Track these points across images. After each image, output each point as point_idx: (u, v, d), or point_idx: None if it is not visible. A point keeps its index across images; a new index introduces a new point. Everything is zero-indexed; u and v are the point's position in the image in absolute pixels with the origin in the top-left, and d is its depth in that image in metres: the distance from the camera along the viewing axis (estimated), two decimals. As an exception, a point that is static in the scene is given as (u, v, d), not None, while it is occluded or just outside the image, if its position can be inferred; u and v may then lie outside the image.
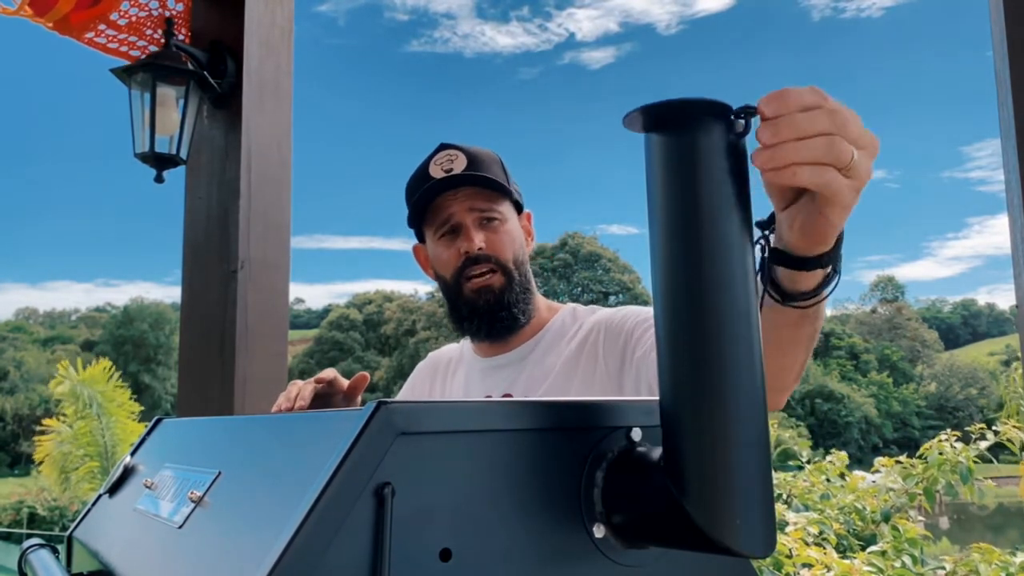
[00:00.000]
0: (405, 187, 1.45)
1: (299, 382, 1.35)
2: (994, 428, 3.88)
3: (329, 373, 1.37)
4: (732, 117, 0.60)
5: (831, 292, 0.82)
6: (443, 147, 1.42)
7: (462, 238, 1.38)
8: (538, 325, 1.45)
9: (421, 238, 1.49)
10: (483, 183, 1.38)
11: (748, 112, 0.61)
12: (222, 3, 2.65)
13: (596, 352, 1.33)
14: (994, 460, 3.87)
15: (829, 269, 0.79)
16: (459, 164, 1.38)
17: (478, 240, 1.37)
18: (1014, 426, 3.84)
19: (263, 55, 2.61)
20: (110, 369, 11.81)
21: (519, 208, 1.48)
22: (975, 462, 3.69)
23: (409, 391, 1.63)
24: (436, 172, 1.38)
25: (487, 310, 1.38)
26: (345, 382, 1.38)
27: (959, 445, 3.75)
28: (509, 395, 1.38)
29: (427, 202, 1.40)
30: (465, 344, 1.55)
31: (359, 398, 1.40)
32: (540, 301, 1.48)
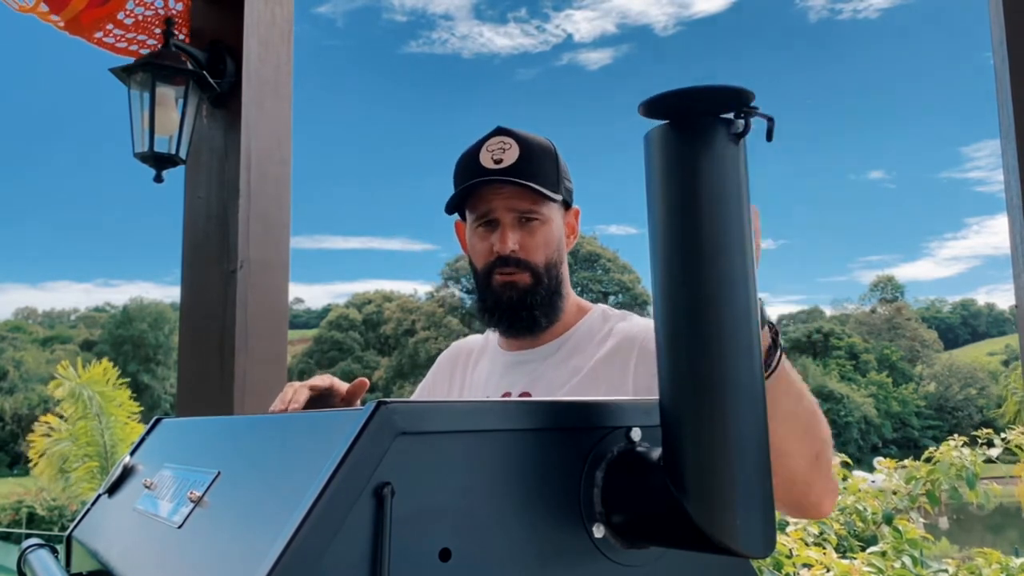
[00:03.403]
0: (455, 164, 1.42)
1: (295, 384, 1.34)
2: (1003, 436, 3.89)
3: (325, 380, 1.35)
4: (732, 117, 0.60)
5: (773, 369, 0.81)
6: (499, 131, 1.39)
7: (497, 235, 1.37)
8: (566, 325, 1.44)
9: (463, 216, 1.47)
10: (529, 183, 1.34)
11: (748, 112, 0.61)
12: (221, 3, 2.65)
13: (627, 367, 1.31)
14: (995, 460, 3.88)
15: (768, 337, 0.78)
16: (510, 155, 1.34)
17: (511, 242, 1.35)
18: (1022, 432, 3.85)
19: (263, 54, 2.60)
20: (111, 370, 11.78)
21: (568, 204, 1.44)
22: (979, 466, 3.70)
23: (430, 382, 1.62)
24: (486, 160, 1.35)
25: (509, 307, 1.38)
26: (343, 385, 1.37)
27: (966, 451, 3.76)
28: (528, 393, 1.37)
29: (472, 190, 1.38)
30: (491, 334, 1.54)
31: (358, 403, 1.39)
32: (571, 301, 1.46)
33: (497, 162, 1.35)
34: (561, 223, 1.43)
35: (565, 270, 1.44)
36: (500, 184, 1.35)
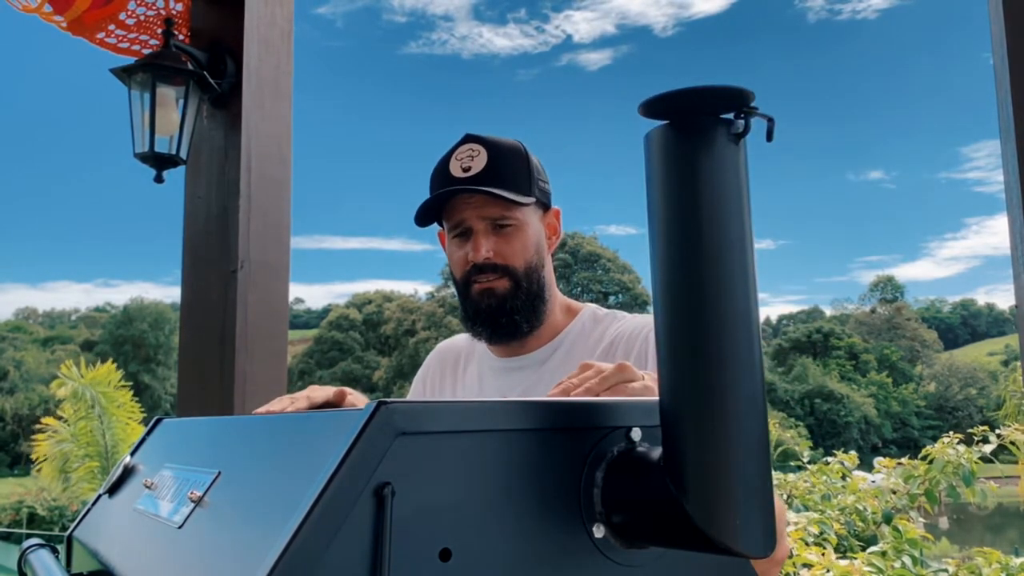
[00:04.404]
0: (430, 174, 1.42)
1: (294, 396, 1.29)
2: (997, 432, 3.89)
3: (327, 395, 1.27)
4: (732, 117, 0.60)
5: None
6: (467, 139, 1.37)
7: (471, 244, 1.36)
8: (556, 328, 1.43)
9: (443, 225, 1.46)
10: (494, 191, 1.32)
11: (748, 112, 0.61)
12: (222, 3, 2.65)
13: None
14: (994, 460, 3.88)
15: None
16: (479, 162, 1.33)
17: (485, 250, 1.34)
18: (1017, 429, 3.85)
19: (263, 55, 2.60)
20: (113, 372, 11.77)
21: (545, 205, 1.43)
22: (975, 463, 3.71)
23: (420, 385, 1.61)
24: (455, 169, 1.34)
25: (489, 314, 1.36)
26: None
27: (961, 448, 3.76)
28: None
29: (442, 200, 1.37)
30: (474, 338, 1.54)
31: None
32: (558, 303, 1.44)
33: (466, 170, 1.33)
34: (539, 225, 1.41)
35: (548, 273, 1.42)
36: (469, 192, 1.34)
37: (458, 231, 1.38)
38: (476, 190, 1.32)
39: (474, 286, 1.37)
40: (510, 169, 1.35)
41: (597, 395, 0.88)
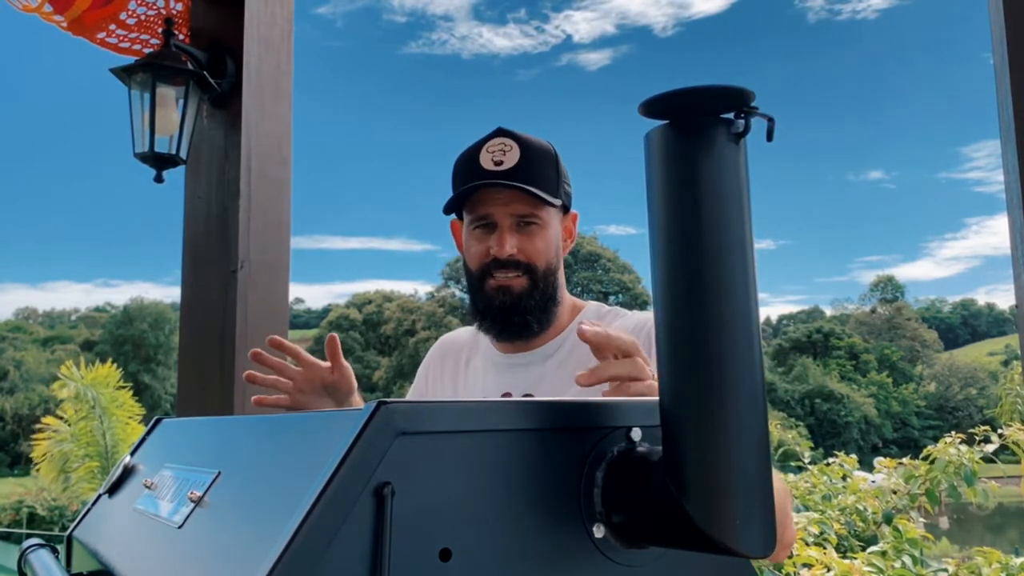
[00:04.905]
0: (454, 163, 1.41)
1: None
2: (999, 432, 3.89)
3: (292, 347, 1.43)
4: (732, 117, 0.60)
5: None
6: (499, 133, 1.37)
7: (494, 239, 1.35)
8: (561, 324, 1.43)
9: (460, 215, 1.45)
10: (529, 188, 1.33)
11: (748, 112, 0.61)
12: (222, 3, 2.65)
13: None
14: (996, 460, 3.88)
15: None
16: (511, 158, 1.33)
17: (509, 246, 1.34)
18: (1020, 429, 3.84)
19: (263, 55, 2.60)
20: (114, 372, 11.76)
21: (567, 208, 1.43)
22: (977, 463, 3.70)
23: (423, 380, 1.61)
24: (486, 162, 1.34)
25: (501, 311, 1.36)
26: (311, 357, 1.41)
27: (963, 448, 3.76)
28: (530, 395, 1.36)
29: (470, 192, 1.37)
30: (480, 332, 1.54)
31: (342, 360, 1.40)
32: (565, 303, 1.45)
33: (497, 164, 1.33)
34: (559, 228, 1.41)
35: (561, 276, 1.43)
36: (499, 187, 1.33)
37: (481, 223, 1.37)
38: (510, 185, 1.32)
39: (490, 281, 1.36)
40: (541, 168, 1.35)
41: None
